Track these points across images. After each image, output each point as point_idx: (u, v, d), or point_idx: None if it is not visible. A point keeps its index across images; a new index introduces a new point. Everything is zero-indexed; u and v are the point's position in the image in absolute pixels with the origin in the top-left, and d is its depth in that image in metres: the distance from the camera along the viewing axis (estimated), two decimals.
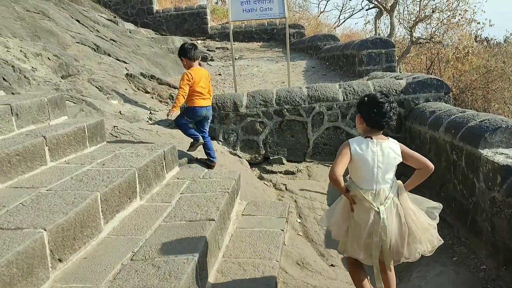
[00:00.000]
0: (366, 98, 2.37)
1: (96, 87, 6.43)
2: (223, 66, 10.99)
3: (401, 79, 5.63)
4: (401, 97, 5.27)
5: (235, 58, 11.96)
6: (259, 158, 5.39)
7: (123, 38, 10.11)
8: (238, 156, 5.34)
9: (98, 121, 3.94)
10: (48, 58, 6.20)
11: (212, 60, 11.65)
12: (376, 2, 15.14)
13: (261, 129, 5.37)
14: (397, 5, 12.99)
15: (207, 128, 4.60)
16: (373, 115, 2.30)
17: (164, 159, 3.69)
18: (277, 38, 15.56)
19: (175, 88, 7.79)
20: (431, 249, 2.38)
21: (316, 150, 5.40)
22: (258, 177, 5.08)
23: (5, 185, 2.70)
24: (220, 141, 5.40)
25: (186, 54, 4.52)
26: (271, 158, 5.37)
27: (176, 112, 4.34)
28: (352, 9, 28.90)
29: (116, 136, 4.69)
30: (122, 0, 15.88)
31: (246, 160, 5.33)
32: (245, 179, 4.53)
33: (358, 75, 7.54)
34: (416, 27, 12.60)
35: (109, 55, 8.15)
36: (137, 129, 4.95)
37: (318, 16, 27.61)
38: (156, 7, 16.03)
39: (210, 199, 3.23)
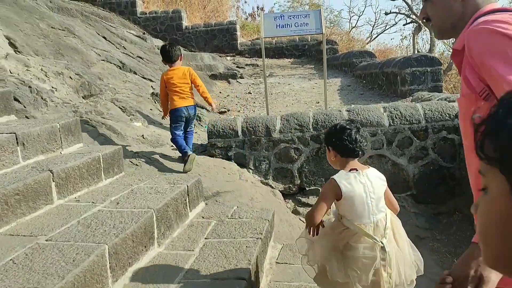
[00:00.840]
0: (333, 129, 2.29)
1: (120, 107, 6.07)
2: (253, 83, 10.56)
3: (454, 101, 5.02)
4: (456, 122, 4.67)
5: (265, 76, 11.54)
6: (294, 189, 4.86)
7: (150, 55, 9.83)
8: (271, 186, 4.82)
9: (115, 150, 3.51)
10: (70, 77, 5.88)
11: (241, 77, 11.25)
12: (414, 17, 14.49)
13: (296, 156, 4.85)
14: None
15: (192, 128, 4.77)
16: (346, 143, 2.20)
17: (188, 195, 3.22)
18: (309, 54, 15.09)
19: (202, 107, 7.39)
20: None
21: None
22: (292, 211, 4.55)
23: None
24: (251, 169, 4.90)
25: (162, 57, 4.56)
26: (307, 189, 4.84)
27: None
28: (385, 24, 28.19)
29: (136, 164, 4.27)
30: (152, 17, 15.75)
31: (279, 190, 4.81)
32: (279, 215, 4.01)
33: (401, 95, 6.95)
34: None
35: (134, 73, 7.83)
36: (159, 156, 4.52)
37: (350, 31, 27.07)
38: (185, 23, 15.84)
39: (240, 247, 2.72)
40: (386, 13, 17.40)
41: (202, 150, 5.13)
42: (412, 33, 15.72)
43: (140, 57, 9.03)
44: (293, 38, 15.73)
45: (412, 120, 4.75)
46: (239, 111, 7.74)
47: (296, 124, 4.89)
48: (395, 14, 18.38)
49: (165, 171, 4.26)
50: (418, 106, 4.88)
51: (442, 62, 13.21)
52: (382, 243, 2.12)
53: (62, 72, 5.87)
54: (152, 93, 7.14)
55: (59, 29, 7.36)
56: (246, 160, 4.91)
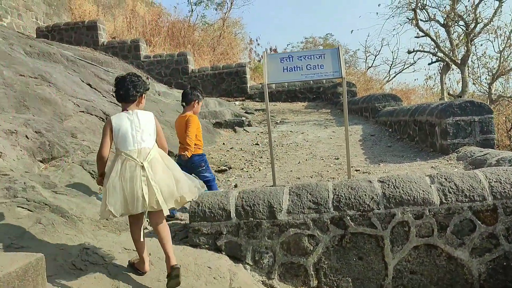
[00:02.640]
0: (116, 79, 3.15)
1: (90, 172, 4.84)
2: (262, 132, 9.32)
3: None
4: None
5: (276, 123, 10.30)
6: None
7: (145, 103, 8.70)
8: None
9: (30, 263, 2.25)
10: (26, 136, 4.70)
11: (249, 125, 10.04)
12: (442, 55, 13.28)
13: (311, 247, 3.49)
14: (470, 59, 11.07)
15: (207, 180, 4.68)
16: (121, 92, 3.04)
17: None
18: (324, 97, 13.92)
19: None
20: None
21: (399, 282, 3.43)
22: None
23: None
24: (248, 264, 3.54)
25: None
26: None
27: None
28: (403, 63, 27.10)
29: (80, 269, 2.97)
30: (156, 61, 14.88)
31: None
32: None
33: (441, 150, 5.59)
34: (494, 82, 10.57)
35: None
36: (117, 254, 3.21)
37: (366, 71, 26.03)
38: (191, 66, 14.91)
39: None
40: (409, 52, 16.27)
41: (182, 236, 3.81)
42: (439, 72, 14.44)
43: None
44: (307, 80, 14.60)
45: (473, 196, 3.38)
46: (242, 169, 6.45)
47: (310, 201, 3.56)
48: (415, 53, 17.21)
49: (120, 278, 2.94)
50: (479, 175, 3.52)
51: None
52: (142, 163, 2.87)
53: (17, 131, 4.70)
54: None
55: (31, 77, 6.28)
56: (242, 252, 3.57)
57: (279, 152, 7.32)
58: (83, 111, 6.46)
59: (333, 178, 5.12)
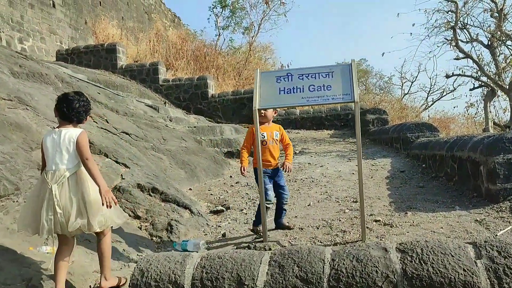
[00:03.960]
0: (62, 96, 3.10)
1: None
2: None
3: None
4: None
5: (295, 153, 9.22)
6: None
7: (146, 129, 7.87)
8: None
9: None
10: None
11: None
12: (486, 79, 11.92)
13: None
14: None
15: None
16: (64, 110, 2.97)
17: None
18: (353, 125, 12.73)
19: (185, 208, 5.14)
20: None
21: None
22: None
23: None
24: None
25: None
26: None
27: None
28: (442, 90, 25.53)
29: None
30: (175, 85, 14.19)
31: None
32: None
33: (487, 196, 4.36)
34: None
35: (106, 155, 5.79)
36: None
37: (402, 98, 24.62)
38: (211, 91, 14.12)
39: None
40: (448, 76, 14.92)
41: None
42: (482, 99, 13.03)
43: (127, 133, 7.06)
44: (333, 106, 13.51)
45: None
46: (242, 210, 5.41)
47: (297, 276, 2.48)
48: (454, 78, 15.83)
49: None
50: None
51: None
52: (51, 186, 2.82)
53: None
54: (115, 187, 5.02)
55: (4, 99, 5.53)
56: None
57: (291, 189, 6.22)
58: None
59: (344, 232, 3.99)
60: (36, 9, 15.71)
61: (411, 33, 18.47)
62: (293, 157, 8.77)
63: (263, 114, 4.12)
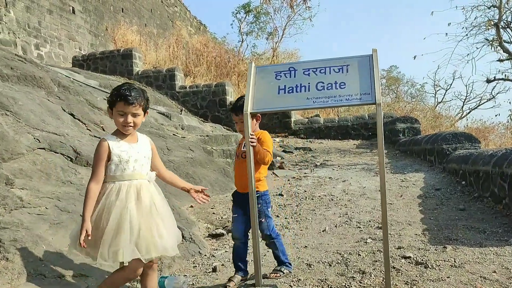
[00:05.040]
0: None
1: None
2: (294, 178, 7.39)
3: None
4: None
5: (315, 165, 8.33)
6: None
7: (150, 138, 7.13)
8: None
9: None
10: None
11: (281, 167, 8.15)
12: None
13: None
14: None
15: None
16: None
17: None
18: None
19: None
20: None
21: None
22: None
23: None
24: None
25: None
26: None
27: None
28: (480, 98, 24.04)
29: None
30: (192, 91, 13.53)
31: None
32: None
33: None
34: None
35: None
36: None
37: (436, 107, 23.29)
38: (230, 98, 13.37)
39: None
40: (489, 81, 13.69)
41: None
42: None
43: None
44: (360, 114, 12.54)
45: None
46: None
47: None
48: (494, 84, 14.56)
49: None
50: None
51: None
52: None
53: None
54: None
55: None
56: None
57: (305, 209, 5.36)
58: (43, 148, 4.95)
59: (363, 273, 3.08)
60: (55, 15, 15.43)
61: (446, 34, 17.16)
62: (312, 170, 7.92)
63: (236, 122, 3.12)
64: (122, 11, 20.06)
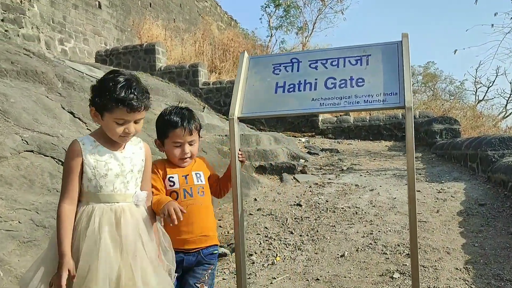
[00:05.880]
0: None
1: None
2: (316, 184, 6.68)
3: None
4: None
5: (341, 170, 7.58)
6: None
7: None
8: None
9: None
10: None
11: (303, 171, 7.45)
12: None
13: None
14: None
15: None
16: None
17: None
18: (416, 136, 10.81)
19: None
20: None
21: None
22: None
23: None
24: None
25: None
26: None
27: None
28: None
29: None
30: (215, 88, 12.96)
31: None
32: None
33: None
34: None
35: None
36: None
37: (476, 105, 21.92)
38: None
39: None
40: None
41: None
42: None
43: None
44: (394, 113, 11.65)
45: None
46: (251, 255, 3.93)
47: None
48: None
49: None
50: None
51: None
52: None
53: None
54: None
55: None
56: None
57: (324, 224, 4.67)
58: (31, 151, 4.46)
59: None
60: (80, 9, 15.18)
61: (492, 25, 15.56)
62: (337, 175, 7.18)
63: (156, 145, 2.34)
64: (150, 6, 19.73)
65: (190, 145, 2.17)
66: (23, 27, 12.73)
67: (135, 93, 1.79)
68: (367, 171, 7.37)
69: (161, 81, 13.11)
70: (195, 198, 2.17)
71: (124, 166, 1.86)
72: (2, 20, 12.00)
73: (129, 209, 1.84)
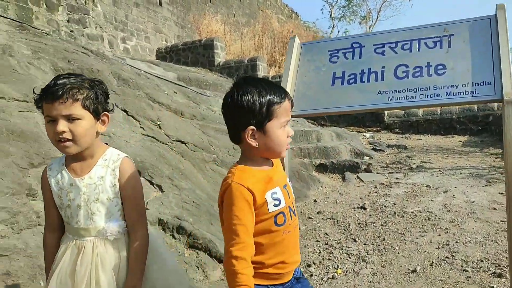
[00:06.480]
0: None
1: None
2: (383, 184, 6.15)
3: None
4: None
5: (410, 168, 6.97)
6: None
7: (215, 135, 6.35)
8: None
9: None
10: None
11: (368, 170, 6.92)
12: None
13: None
14: None
15: None
16: None
17: None
18: (495, 130, 9.86)
19: (219, 260, 3.48)
20: None
21: None
22: None
23: None
24: None
25: None
26: None
27: None
28: None
29: None
30: (275, 82, 12.58)
31: None
32: None
33: None
34: None
35: (139, 172, 4.36)
36: None
37: None
38: None
39: None
40: None
41: None
42: None
43: (183, 141, 5.61)
44: (468, 105, 10.68)
45: None
46: (309, 265, 3.55)
47: None
48: None
49: None
50: None
51: None
52: None
53: None
54: None
55: (18, 100, 4.46)
56: None
57: (392, 230, 4.18)
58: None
59: None
60: (141, 8, 15.42)
61: None
62: (406, 174, 6.58)
63: (249, 138, 1.59)
64: (210, 1, 19.75)
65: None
66: (87, 27, 13.08)
67: (57, 81, 1.48)
68: (439, 170, 6.71)
69: (220, 76, 12.98)
70: (296, 217, 1.60)
71: (87, 195, 1.55)
72: (68, 21, 12.38)
73: (93, 245, 1.54)
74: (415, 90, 1.62)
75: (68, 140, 1.49)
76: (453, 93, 1.57)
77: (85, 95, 1.50)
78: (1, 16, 7.45)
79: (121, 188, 1.59)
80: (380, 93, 1.67)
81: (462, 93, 1.56)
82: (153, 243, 1.75)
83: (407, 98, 1.62)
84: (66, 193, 1.56)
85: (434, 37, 1.71)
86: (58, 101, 1.45)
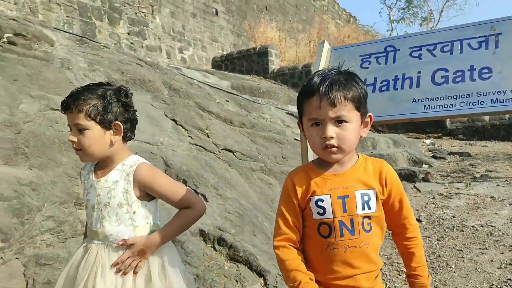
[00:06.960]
0: None
1: None
2: (441, 195, 5.77)
3: None
4: None
5: (473, 178, 6.50)
6: None
7: (264, 143, 6.27)
8: None
9: None
10: None
11: (426, 179, 6.53)
12: None
13: None
14: None
15: None
16: None
17: None
18: None
19: (259, 274, 3.38)
20: None
21: None
22: None
23: None
24: None
25: None
26: None
27: None
28: None
29: None
30: None
31: None
32: None
33: None
34: None
35: (184, 181, 4.39)
36: None
37: None
38: None
39: None
40: None
41: None
42: None
43: (230, 150, 5.57)
44: None
45: None
46: None
47: None
48: None
49: None
50: None
51: None
52: None
53: None
54: None
55: None
56: None
57: (449, 246, 3.88)
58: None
59: None
60: (198, 18, 15.77)
61: None
62: (468, 185, 6.13)
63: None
64: (266, 9, 19.86)
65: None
66: (147, 39, 13.54)
67: (71, 93, 1.56)
68: (506, 180, 6.20)
69: (274, 83, 12.93)
70: (359, 236, 1.41)
71: (100, 198, 1.56)
72: (128, 34, 12.88)
73: (97, 250, 1.52)
74: (455, 97, 1.43)
75: (79, 149, 1.55)
76: (500, 100, 1.37)
77: (90, 105, 1.49)
78: (66, 32, 7.84)
79: (149, 192, 1.60)
80: (415, 101, 1.49)
81: (510, 100, 1.35)
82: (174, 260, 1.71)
83: (446, 106, 1.43)
84: (87, 192, 1.61)
85: (479, 36, 1.51)
86: (67, 112, 1.52)
